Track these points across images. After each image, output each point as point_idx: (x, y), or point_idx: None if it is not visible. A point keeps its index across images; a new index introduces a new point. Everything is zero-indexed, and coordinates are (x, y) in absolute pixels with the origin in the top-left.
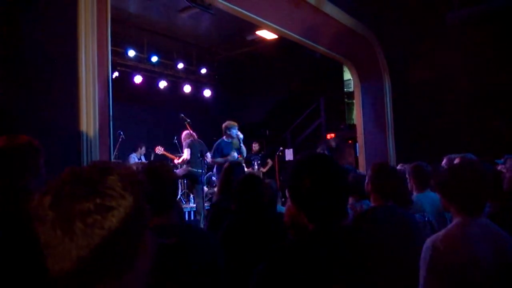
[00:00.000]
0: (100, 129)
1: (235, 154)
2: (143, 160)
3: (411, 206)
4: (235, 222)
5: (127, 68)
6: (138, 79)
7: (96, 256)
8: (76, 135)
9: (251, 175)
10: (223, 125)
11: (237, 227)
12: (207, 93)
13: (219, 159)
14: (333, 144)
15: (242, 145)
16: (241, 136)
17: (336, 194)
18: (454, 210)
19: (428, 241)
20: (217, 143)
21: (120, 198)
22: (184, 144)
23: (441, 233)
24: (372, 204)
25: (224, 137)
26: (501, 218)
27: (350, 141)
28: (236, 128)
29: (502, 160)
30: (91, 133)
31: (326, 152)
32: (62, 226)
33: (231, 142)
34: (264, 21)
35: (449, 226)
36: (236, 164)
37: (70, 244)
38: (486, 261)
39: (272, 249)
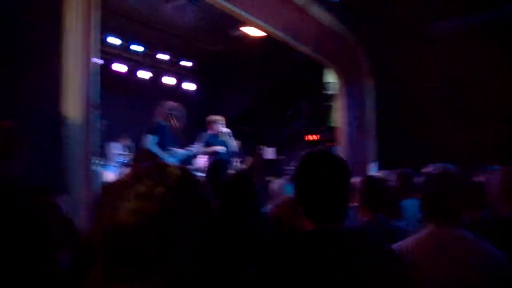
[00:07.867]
0: (84, 115)
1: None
2: (127, 151)
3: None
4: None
5: (107, 55)
6: (119, 68)
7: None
8: (60, 121)
9: (235, 174)
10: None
11: (211, 228)
12: (189, 86)
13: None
14: None
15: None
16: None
17: (337, 192)
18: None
19: (394, 246)
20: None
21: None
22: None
23: (404, 240)
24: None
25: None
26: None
27: (328, 144)
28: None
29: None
30: (75, 119)
31: None
32: (131, 207)
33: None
34: (250, 17)
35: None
36: (220, 163)
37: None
38: (430, 278)
39: (265, 246)
